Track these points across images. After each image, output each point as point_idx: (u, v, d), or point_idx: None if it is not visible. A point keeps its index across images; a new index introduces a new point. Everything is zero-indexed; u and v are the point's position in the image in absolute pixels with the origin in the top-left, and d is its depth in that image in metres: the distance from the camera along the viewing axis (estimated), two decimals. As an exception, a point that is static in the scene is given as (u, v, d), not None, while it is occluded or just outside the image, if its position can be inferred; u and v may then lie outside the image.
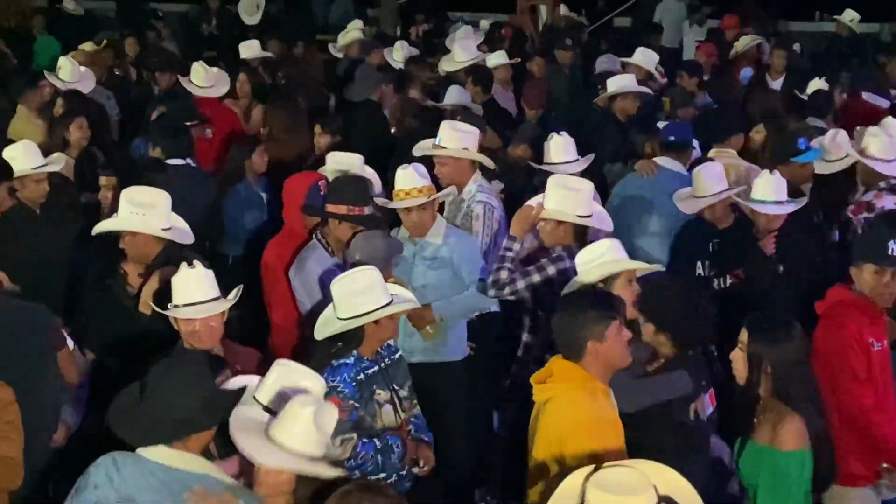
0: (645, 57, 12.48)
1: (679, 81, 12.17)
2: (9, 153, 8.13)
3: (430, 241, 7.24)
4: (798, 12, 18.87)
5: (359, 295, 5.80)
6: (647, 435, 5.36)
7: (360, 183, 7.36)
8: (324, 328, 5.94)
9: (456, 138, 7.91)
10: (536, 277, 6.81)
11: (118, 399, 4.71)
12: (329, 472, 4.58)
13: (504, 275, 6.88)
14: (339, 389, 5.73)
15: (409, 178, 7.16)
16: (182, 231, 6.98)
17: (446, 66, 12.74)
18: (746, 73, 13.79)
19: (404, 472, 5.94)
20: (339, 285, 5.89)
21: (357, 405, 5.74)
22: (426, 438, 6.08)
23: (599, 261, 6.21)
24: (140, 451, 4.57)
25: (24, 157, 8.12)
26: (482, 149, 8.36)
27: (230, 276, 6.80)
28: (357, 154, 8.35)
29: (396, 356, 6.11)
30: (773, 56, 13.79)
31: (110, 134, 11.58)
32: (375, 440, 5.78)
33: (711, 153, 9.01)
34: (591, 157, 8.60)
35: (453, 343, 7.32)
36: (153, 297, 6.35)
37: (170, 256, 6.69)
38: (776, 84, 13.15)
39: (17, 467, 5.59)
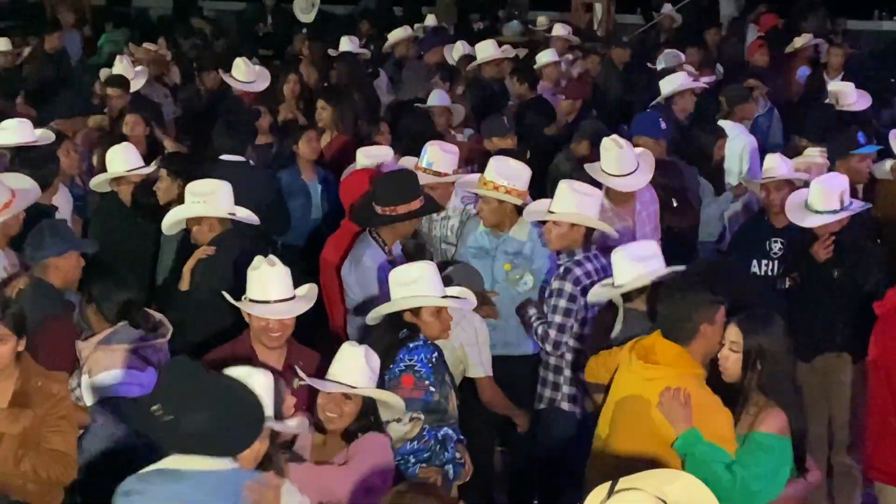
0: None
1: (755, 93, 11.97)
2: (109, 154, 8.33)
3: (514, 237, 7.25)
4: (856, 11, 18.67)
5: (410, 284, 5.87)
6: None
7: (408, 177, 7.33)
8: (376, 311, 6.05)
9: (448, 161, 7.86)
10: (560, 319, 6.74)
11: (142, 410, 4.49)
12: (381, 396, 5.35)
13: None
14: (415, 369, 5.81)
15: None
16: (246, 216, 7.30)
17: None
18: (803, 72, 13.67)
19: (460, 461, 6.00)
20: (393, 275, 6.00)
21: (433, 388, 5.81)
22: (463, 439, 6.08)
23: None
24: (163, 464, 4.39)
25: (121, 158, 8.30)
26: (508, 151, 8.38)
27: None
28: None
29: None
30: (829, 55, 13.64)
31: (166, 131, 11.62)
32: (437, 432, 5.84)
33: (806, 153, 8.93)
34: (651, 170, 8.04)
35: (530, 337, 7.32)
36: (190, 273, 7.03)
37: (223, 241, 7.08)
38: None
39: (71, 461, 5.61)
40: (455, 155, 7.97)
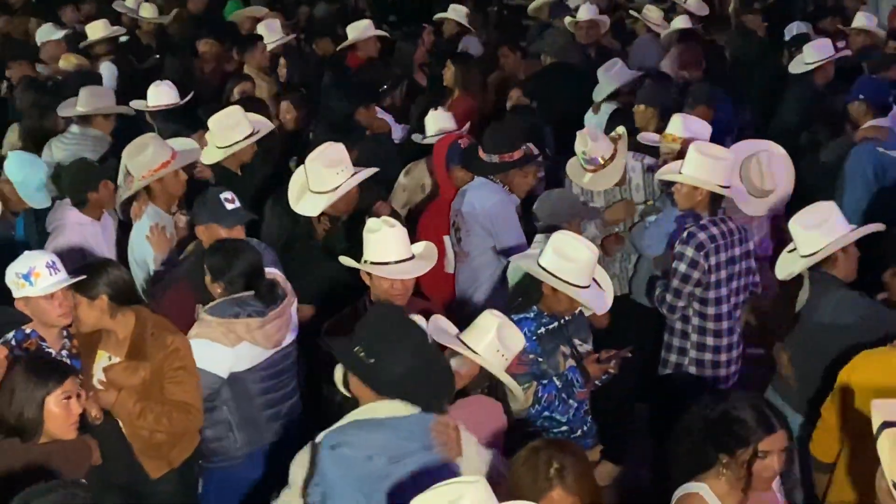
0: (868, 20, 12.13)
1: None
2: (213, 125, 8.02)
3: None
4: None
5: (569, 261, 5.81)
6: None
7: (510, 127, 7.72)
8: (526, 258, 6.11)
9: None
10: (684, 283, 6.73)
11: (346, 349, 4.61)
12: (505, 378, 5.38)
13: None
14: None
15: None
16: (364, 170, 7.16)
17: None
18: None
19: (587, 428, 6.03)
20: (560, 240, 5.91)
21: (540, 358, 5.82)
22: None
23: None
24: (355, 415, 4.55)
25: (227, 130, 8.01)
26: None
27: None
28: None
29: (577, 311, 6.11)
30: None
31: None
32: (555, 380, 5.86)
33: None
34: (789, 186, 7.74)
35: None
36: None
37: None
38: None
39: (194, 409, 5.67)
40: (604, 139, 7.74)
